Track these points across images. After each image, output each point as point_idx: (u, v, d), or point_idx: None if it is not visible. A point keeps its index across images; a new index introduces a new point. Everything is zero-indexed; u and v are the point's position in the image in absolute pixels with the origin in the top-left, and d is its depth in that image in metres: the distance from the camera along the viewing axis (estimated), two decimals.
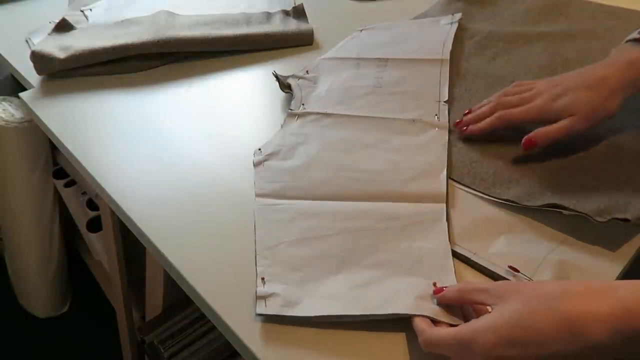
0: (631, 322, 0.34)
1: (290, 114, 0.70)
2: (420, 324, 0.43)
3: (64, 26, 0.87)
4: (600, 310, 0.35)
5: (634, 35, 0.62)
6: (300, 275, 0.49)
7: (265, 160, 0.63)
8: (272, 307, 0.46)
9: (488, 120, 0.64)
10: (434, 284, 0.47)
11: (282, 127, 0.69)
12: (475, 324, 0.39)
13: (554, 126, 0.59)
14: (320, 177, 0.60)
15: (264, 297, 0.47)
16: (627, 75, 0.59)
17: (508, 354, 0.37)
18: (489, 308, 0.41)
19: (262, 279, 0.49)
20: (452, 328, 0.41)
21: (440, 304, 0.45)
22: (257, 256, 0.51)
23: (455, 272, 0.49)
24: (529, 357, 0.36)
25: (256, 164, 0.63)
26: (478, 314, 0.44)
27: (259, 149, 0.65)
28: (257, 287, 0.48)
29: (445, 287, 0.45)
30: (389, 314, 0.45)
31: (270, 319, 0.46)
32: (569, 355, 0.36)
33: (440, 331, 0.41)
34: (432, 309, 0.45)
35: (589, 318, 0.35)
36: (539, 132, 0.60)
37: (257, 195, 0.58)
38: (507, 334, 0.37)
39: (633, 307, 0.34)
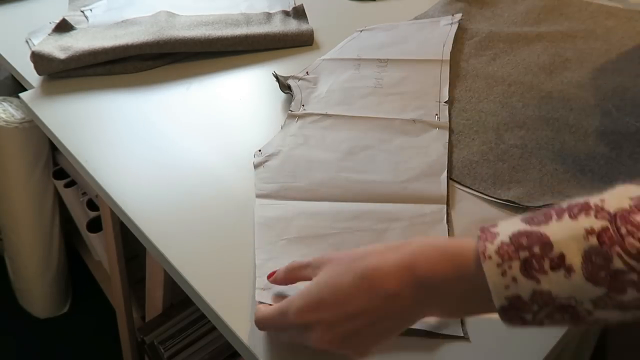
0: (415, 272, 0.37)
1: (291, 115, 0.70)
2: (259, 306, 0.44)
3: (64, 26, 0.87)
4: (389, 263, 0.38)
5: None
6: None
7: (265, 161, 0.63)
8: (270, 296, 0.46)
9: None
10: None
11: (282, 128, 0.69)
12: (293, 295, 0.41)
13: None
14: (320, 178, 0.60)
15: (264, 289, 0.47)
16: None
17: (319, 317, 0.38)
18: None
19: (262, 272, 0.49)
20: (278, 303, 0.42)
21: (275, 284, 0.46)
22: (256, 250, 0.52)
23: None
24: (340, 318, 0.38)
25: (257, 165, 0.63)
26: None
27: (259, 150, 0.65)
28: (256, 277, 0.48)
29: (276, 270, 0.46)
30: None
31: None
32: (376, 310, 0.38)
33: (267, 308, 0.42)
34: (431, 324, 0.45)
35: (382, 271, 0.38)
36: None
37: (258, 196, 0.58)
38: (316, 298, 0.39)
39: (418, 257, 0.37)
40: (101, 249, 1.12)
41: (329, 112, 0.70)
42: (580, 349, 0.76)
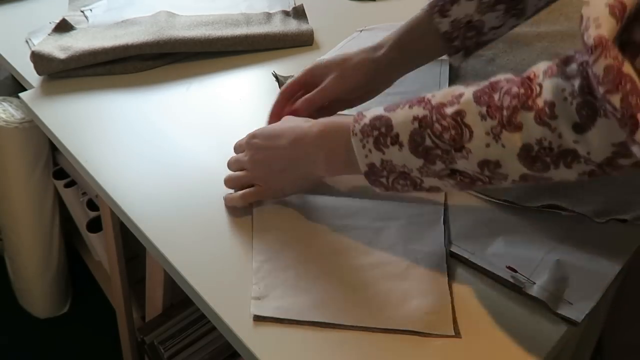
0: (327, 128, 0.51)
1: None
2: None
3: (64, 26, 0.87)
4: (312, 126, 0.53)
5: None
6: (295, 273, 0.50)
7: None
8: (267, 309, 0.47)
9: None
10: None
11: None
12: None
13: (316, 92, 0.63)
14: None
15: (259, 298, 0.47)
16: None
17: (257, 142, 0.55)
18: None
19: (259, 277, 0.49)
20: None
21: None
22: (254, 251, 0.52)
23: (449, 277, 0.50)
24: (267, 145, 0.55)
25: None
26: None
27: None
28: (253, 285, 0.49)
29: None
30: (379, 328, 0.46)
31: (268, 319, 0.46)
32: (287, 148, 0.53)
33: None
34: (422, 324, 0.45)
35: (309, 128, 0.53)
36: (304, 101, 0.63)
37: None
38: (260, 131, 0.56)
39: (332, 121, 0.52)
40: (101, 249, 1.12)
41: None
42: (580, 349, 0.76)
